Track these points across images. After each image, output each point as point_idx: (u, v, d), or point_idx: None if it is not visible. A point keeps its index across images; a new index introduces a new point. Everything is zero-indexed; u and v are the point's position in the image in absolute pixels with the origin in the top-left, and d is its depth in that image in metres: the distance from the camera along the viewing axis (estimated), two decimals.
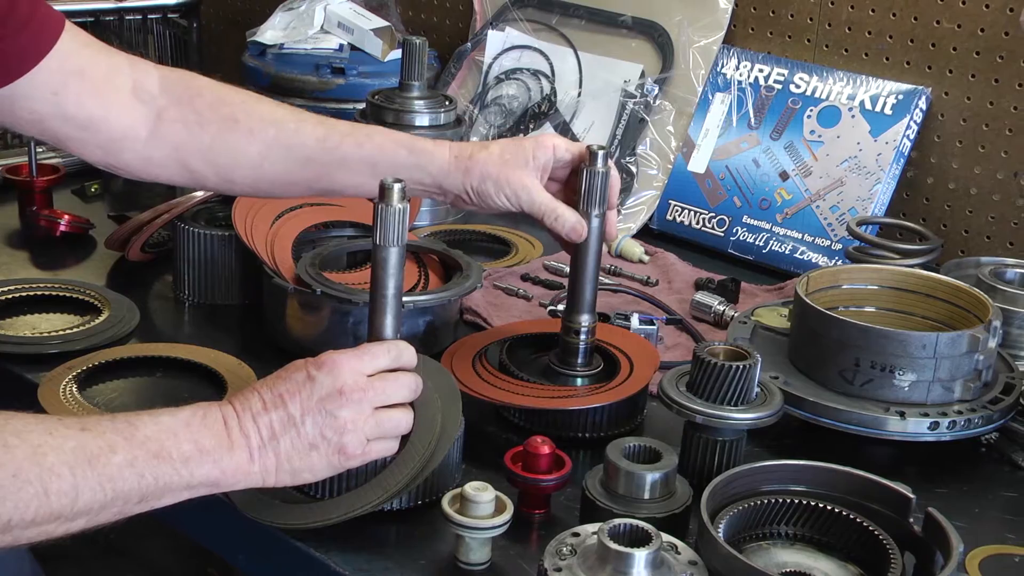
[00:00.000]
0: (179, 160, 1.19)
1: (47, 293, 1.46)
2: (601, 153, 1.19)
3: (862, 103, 1.76)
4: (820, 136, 1.78)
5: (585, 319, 1.25)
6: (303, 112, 1.23)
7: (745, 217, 1.81)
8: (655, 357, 1.30)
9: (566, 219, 1.19)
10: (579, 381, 1.26)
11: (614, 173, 1.22)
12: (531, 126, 2.02)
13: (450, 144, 1.23)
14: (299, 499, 1.05)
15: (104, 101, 1.16)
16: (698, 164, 1.87)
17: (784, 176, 1.80)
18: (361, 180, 1.20)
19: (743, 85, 1.87)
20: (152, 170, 1.21)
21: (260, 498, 1.04)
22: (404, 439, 1.05)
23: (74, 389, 1.26)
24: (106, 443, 0.89)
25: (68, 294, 1.47)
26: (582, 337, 1.25)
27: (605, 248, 1.45)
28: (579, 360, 1.26)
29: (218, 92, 1.21)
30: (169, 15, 2.24)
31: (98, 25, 2.13)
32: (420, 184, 1.21)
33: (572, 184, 1.23)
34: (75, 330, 1.38)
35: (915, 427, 1.18)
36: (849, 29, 1.80)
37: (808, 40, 1.85)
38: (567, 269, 1.64)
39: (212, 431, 0.95)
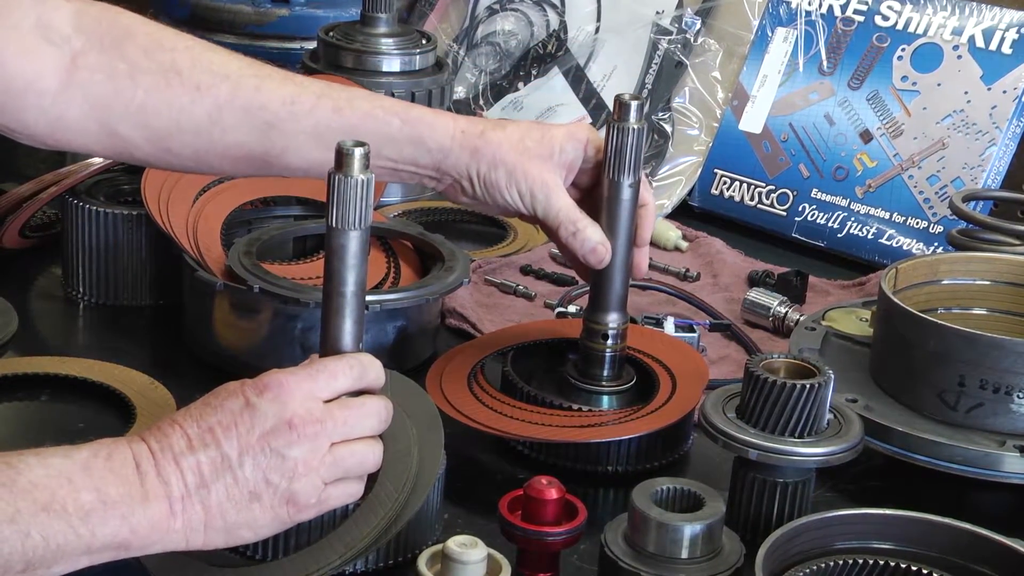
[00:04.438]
0: (100, 121, 1.19)
1: None
2: (635, 104, 1.21)
3: (972, 39, 1.77)
4: (915, 84, 1.79)
5: (614, 319, 1.27)
6: (265, 66, 1.24)
7: (815, 191, 1.83)
8: (704, 370, 1.32)
9: (588, 236, 1.22)
10: (605, 400, 1.29)
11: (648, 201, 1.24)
12: (533, 72, 2.03)
13: (453, 115, 1.25)
14: (234, 561, 1.06)
15: None
16: (753, 122, 1.89)
17: (867, 137, 1.81)
18: None
19: (813, 16, 1.88)
20: (63, 134, 1.21)
21: (182, 562, 1.05)
22: (370, 480, 1.06)
23: None
24: None
25: None
26: (610, 342, 1.27)
27: None
28: (605, 372, 1.29)
29: (154, 34, 1.21)
30: None
31: None
32: (414, 165, 1.23)
33: (594, 198, 1.25)
34: None
35: None
36: None
37: None
38: None
39: (120, 476, 0.95)
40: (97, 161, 1.53)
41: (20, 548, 0.90)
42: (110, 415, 1.31)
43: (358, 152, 1.02)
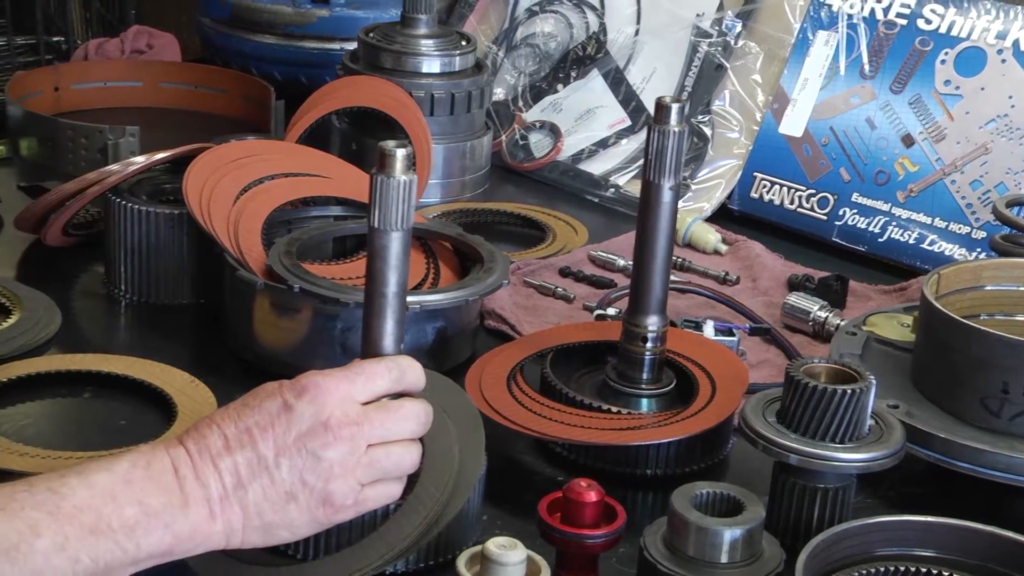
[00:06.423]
0: None
1: None
2: (675, 107, 1.21)
3: (1016, 43, 1.76)
4: (958, 88, 1.79)
5: (653, 322, 1.27)
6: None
7: (855, 195, 1.82)
8: (743, 374, 1.32)
9: None
10: (644, 403, 1.29)
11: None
12: (573, 74, 2.03)
13: None
14: (275, 561, 1.07)
15: None
16: (793, 125, 1.88)
17: (908, 141, 1.81)
18: None
19: (854, 20, 1.87)
20: None
21: (224, 562, 1.06)
22: (411, 480, 1.07)
23: None
24: (26, 524, 0.90)
25: None
26: (649, 345, 1.28)
27: None
28: (645, 375, 1.29)
29: None
30: None
31: None
32: None
33: None
34: None
35: None
36: None
37: None
38: (620, 262, 1.68)
39: (160, 484, 0.97)
40: (139, 160, 1.54)
41: (71, 573, 0.92)
42: (151, 412, 1.32)
43: (400, 152, 1.02)
